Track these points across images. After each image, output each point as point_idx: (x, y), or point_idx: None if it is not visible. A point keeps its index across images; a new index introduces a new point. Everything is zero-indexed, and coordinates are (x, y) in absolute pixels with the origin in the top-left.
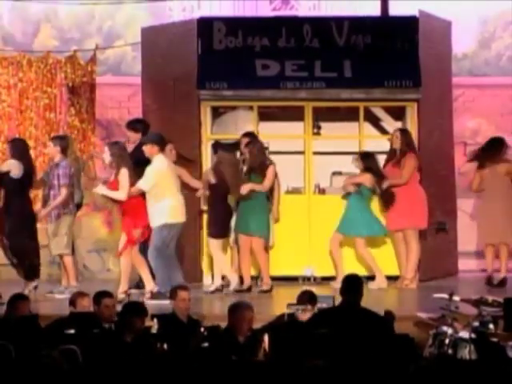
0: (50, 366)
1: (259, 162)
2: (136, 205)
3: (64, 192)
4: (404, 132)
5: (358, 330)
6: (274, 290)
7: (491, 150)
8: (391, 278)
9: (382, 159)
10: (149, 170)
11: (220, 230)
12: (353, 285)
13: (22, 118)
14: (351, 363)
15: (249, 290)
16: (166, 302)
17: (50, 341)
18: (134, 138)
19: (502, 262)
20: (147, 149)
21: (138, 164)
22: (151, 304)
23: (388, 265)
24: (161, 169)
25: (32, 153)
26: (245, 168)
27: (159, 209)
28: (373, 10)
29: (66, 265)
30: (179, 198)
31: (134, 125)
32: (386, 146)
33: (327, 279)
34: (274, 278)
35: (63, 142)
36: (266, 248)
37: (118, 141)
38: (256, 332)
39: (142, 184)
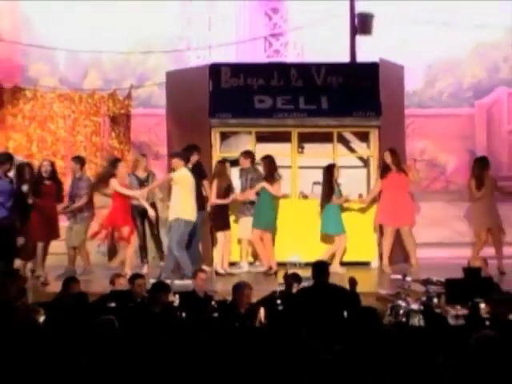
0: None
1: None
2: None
3: (85, 199)
4: (394, 151)
5: (331, 302)
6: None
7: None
8: (362, 264)
9: (351, 173)
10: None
11: None
12: (321, 269)
13: (74, 140)
14: (329, 329)
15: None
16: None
17: (96, 313)
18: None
19: None
20: (175, 162)
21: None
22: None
23: (361, 252)
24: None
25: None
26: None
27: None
28: (343, 57)
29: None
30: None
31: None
32: (354, 162)
33: (310, 264)
34: None
35: (82, 161)
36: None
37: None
38: (253, 305)
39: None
